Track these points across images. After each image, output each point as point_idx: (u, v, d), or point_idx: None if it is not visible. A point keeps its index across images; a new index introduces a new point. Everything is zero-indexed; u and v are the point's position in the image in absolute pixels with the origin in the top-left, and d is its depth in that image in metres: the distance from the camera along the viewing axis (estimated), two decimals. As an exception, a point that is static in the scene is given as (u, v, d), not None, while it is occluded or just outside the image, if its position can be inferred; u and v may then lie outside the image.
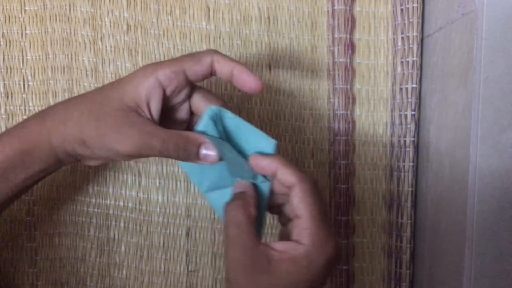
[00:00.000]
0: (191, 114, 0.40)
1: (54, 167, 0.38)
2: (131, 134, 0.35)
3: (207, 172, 0.39)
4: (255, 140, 0.38)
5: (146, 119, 0.36)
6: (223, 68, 0.37)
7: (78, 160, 0.39)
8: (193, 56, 0.37)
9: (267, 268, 0.33)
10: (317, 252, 0.34)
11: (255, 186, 0.38)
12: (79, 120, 0.36)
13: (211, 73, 0.38)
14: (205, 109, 0.38)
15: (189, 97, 0.39)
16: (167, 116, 0.39)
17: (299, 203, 0.35)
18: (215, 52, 0.37)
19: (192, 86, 0.39)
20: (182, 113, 0.40)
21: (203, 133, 0.38)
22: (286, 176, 0.36)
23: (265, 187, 0.38)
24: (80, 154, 0.37)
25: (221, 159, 0.37)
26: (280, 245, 0.35)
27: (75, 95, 0.48)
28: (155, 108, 0.37)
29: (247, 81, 0.37)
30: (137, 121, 0.36)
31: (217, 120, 0.38)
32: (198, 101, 0.39)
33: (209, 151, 0.37)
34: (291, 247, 0.34)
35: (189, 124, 0.41)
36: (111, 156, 0.37)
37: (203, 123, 0.38)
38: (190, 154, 0.37)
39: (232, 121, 0.38)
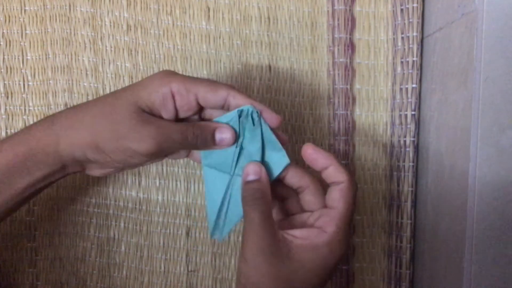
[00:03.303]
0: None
1: (57, 174, 0.38)
2: (149, 131, 0.36)
3: (216, 151, 0.40)
4: (271, 148, 0.39)
5: (160, 118, 0.37)
6: (240, 103, 0.38)
7: (83, 169, 0.39)
8: (211, 83, 0.38)
9: (287, 254, 0.35)
10: (338, 243, 0.36)
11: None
12: (92, 123, 0.36)
13: (224, 106, 0.38)
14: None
15: (195, 113, 0.40)
16: None
17: (340, 197, 0.36)
18: (233, 87, 0.38)
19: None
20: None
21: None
22: (338, 173, 0.37)
23: None
24: (90, 159, 0.37)
25: (236, 141, 0.39)
26: (300, 232, 0.36)
27: (75, 95, 0.48)
28: (166, 115, 0.37)
29: (268, 119, 0.38)
30: (153, 120, 0.36)
31: (243, 117, 0.39)
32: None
33: (223, 135, 0.38)
34: (314, 234, 0.36)
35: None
36: (127, 159, 0.37)
37: (228, 116, 0.39)
38: (207, 141, 0.38)
39: (262, 126, 0.39)
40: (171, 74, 0.37)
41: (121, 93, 0.37)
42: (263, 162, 0.39)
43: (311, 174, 0.39)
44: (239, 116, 0.38)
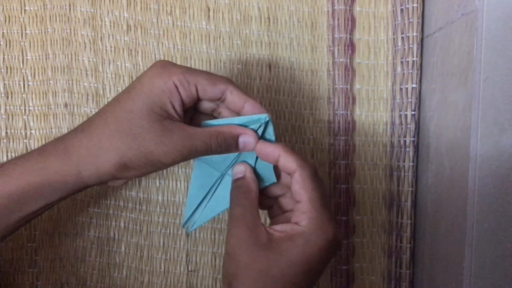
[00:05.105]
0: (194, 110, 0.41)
1: (76, 193, 0.38)
2: (175, 143, 0.35)
3: None
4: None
5: (180, 123, 0.37)
6: (235, 99, 0.38)
7: (105, 184, 0.39)
8: (209, 76, 0.38)
9: (267, 245, 0.34)
10: (315, 233, 0.35)
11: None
12: (113, 144, 0.35)
13: (220, 99, 0.38)
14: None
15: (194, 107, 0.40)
16: None
17: (299, 189, 0.36)
18: (231, 82, 0.38)
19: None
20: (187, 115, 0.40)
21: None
22: (287, 162, 0.37)
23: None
24: (118, 177, 0.37)
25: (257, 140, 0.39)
26: (279, 226, 0.36)
27: (75, 95, 0.48)
28: (179, 108, 0.37)
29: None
30: (174, 128, 0.36)
31: (259, 127, 0.39)
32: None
33: (246, 139, 0.38)
34: (290, 227, 0.35)
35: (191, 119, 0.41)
36: (154, 169, 0.37)
37: (242, 120, 0.39)
38: (231, 147, 0.38)
39: (269, 136, 0.40)
40: (168, 66, 0.37)
41: (130, 104, 0.36)
42: (256, 169, 0.40)
43: (307, 160, 0.38)
44: (258, 127, 0.39)
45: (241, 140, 0.38)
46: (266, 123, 0.39)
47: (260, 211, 0.42)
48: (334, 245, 0.36)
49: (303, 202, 0.36)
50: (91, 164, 0.35)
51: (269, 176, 0.39)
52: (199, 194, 0.40)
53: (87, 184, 0.37)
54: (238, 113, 0.39)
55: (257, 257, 0.34)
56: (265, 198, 0.41)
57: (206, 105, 0.40)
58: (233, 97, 0.38)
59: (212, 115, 0.41)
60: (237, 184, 0.38)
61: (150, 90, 0.36)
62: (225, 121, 0.39)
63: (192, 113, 0.40)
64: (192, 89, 0.37)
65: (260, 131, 0.39)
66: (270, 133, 0.39)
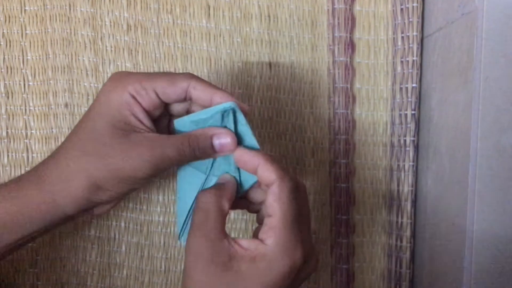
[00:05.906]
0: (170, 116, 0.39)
1: (60, 223, 0.36)
2: (142, 155, 0.34)
3: None
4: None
5: (148, 133, 0.35)
6: (200, 94, 0.35)
7: (91, 213, 0.38)
8: (169, 76, 0.36)
9: (226, 265, 0.32)
10: (279, 255, 0.32)
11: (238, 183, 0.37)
12: (80, 167, 0.34)
13: (186, 98, 0.36)
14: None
15: (167, 112, 0.38)
16: None
17: (273, 201, 0.33)
18: (193, 77, 0.36)
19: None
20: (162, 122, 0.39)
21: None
22: (266, 172, 0.34)
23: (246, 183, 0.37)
24: (95, 201, 0.35)
25: (239, 143, 0.36)
26: (245, 242, 0.33)
27: (76, 95, 0.48)
28: (143, 118, 0.35)
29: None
30: (142, 140, 0.34)
31: (225, 115, 0.36)
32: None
33: (221, 140, 0.35)
34: (254, 246, 0.32)
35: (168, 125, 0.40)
36: (130, 186, 0.35)
37: (208, 112, 0.36)
38: (206, 150, 0.35)
39: (242, 126, 0.37)
40: (122, 77, 0.35)
41: (91, 124, 0.35)
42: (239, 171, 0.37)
43: (288, 173, 0.35)
44: (222, 115, 0.36)
45: (216, 141, 0.35)
46: (234, 113, 0.36)
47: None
48: (304, 269, 0.33)
49: (273, 216, 0.33)
50: (64, 190, 0.34)
51: (252, 176, 0.37)
52: (187, 201, 0.38)
53: (66, 212, 0.35)
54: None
55: (214, 278, 0.31)
56: (250, 203, 0.38)
57: (177, 108, 0.38)
58: (198, 92, 0.35)
59: None
60: (212, 186, 0.36)
61: (108, 106, 0.35)
62: (192, 116, 0.36)
63: (168, 119, 0.39)
64: (151, 95, 0.35)
65: (231, 122, 0.36)
66: (242, 121, 0.36)
